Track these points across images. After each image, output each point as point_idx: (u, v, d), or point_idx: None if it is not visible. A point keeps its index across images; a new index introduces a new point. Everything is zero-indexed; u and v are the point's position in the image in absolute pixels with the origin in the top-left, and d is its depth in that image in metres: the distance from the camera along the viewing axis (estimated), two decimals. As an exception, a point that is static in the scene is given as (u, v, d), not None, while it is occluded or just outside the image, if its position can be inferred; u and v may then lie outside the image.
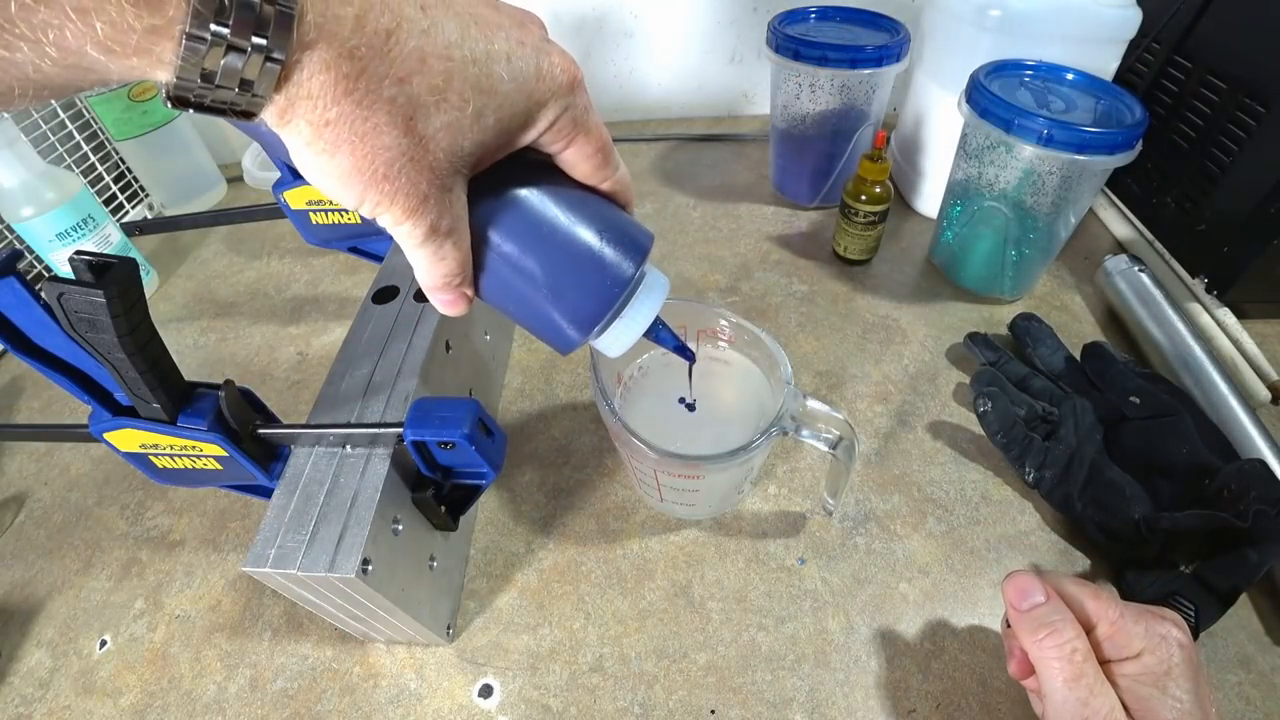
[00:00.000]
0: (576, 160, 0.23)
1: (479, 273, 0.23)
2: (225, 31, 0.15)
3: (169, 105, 0.16)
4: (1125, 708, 0.26)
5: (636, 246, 0.24)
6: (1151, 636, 0.27)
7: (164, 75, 0.16)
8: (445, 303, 0.23)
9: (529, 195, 0.23)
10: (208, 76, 0.16)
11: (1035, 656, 0.28)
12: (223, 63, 0.15)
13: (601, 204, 0.24)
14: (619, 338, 0.25)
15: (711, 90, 0.85)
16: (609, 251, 0.23)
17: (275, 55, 0.16)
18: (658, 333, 0.28)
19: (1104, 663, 0.28)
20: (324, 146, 0.18)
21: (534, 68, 0.20)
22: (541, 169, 0.23)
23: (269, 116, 0.17)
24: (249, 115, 0.17)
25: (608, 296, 0.23)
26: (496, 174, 0.22)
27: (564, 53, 0.21)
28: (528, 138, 0.22)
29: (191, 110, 0.17)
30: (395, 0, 0.17)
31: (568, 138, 0.22)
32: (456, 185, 0.20)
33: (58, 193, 0.53)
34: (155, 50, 0.15)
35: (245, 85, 0.16)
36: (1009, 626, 0.30)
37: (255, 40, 0.15)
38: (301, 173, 0.19)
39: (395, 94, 0.17)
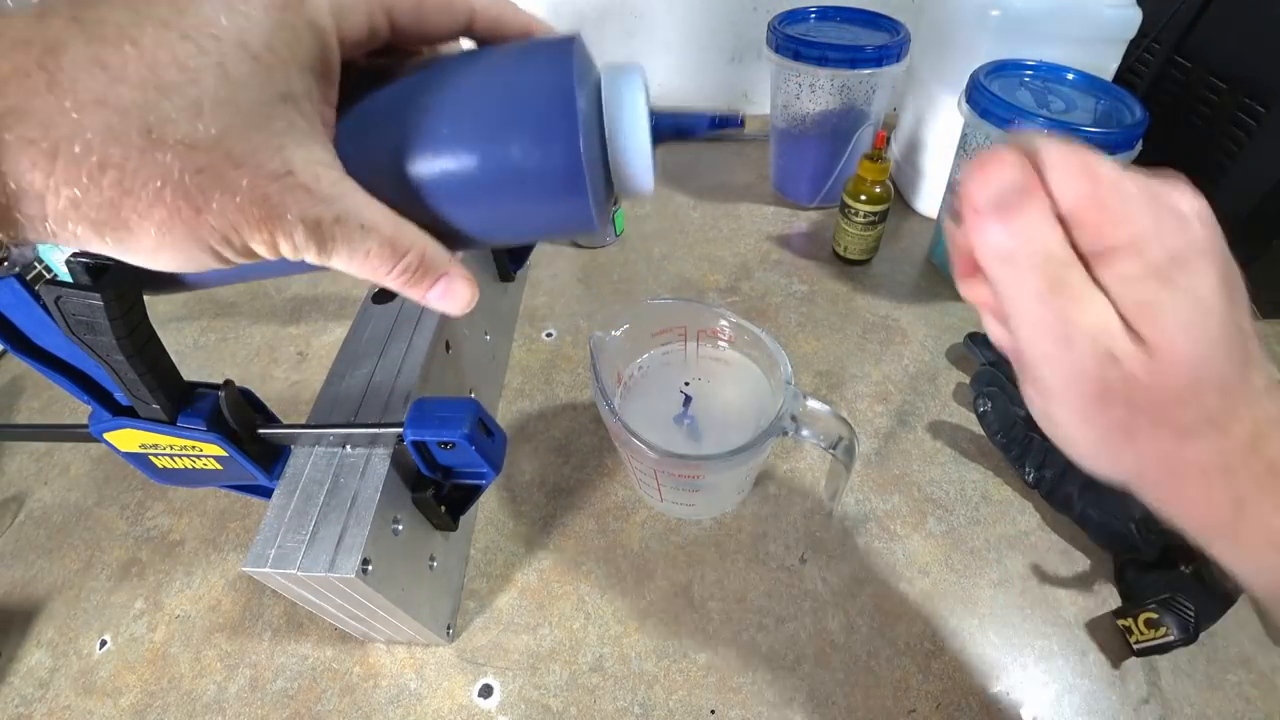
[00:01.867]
0: (422, 18, 0.18)
1: (438, 225, 0.19)
2: None
3: None
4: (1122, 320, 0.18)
5: (553, 50, 0.18)
6: (1156, 208, 0.17)
7: None
8: (440, 296, 0.19)
9: (396, 103, 0.18)
10: None
11: (991, 261, 0.18)
12: None
13: (488, 52, 0.19)
14: (628, 148, 0.19)
15: (711, 90, 0.85)
16: (522, 78, 0.18)
17: None
18: (677, 122, 0.21)
19: (1087, 258, 0.18)
20: (112, 229, 0.14)
21: None
22: (389, 69, 0.19)
23: (43, 245, 0.15)
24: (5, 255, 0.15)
25: (563, 122, 0.17)
26: (357, 114, 0.18)
27: None
28: (337, 44, 0.17)
29: None
30: (40, 40, 0.13)
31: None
32: (301, 164, 0.16)
33: (57, 193, 0.53)
34: None
35: None
36: (954, 221, 0.20)
37: None
38: (154, 269, 0.16)
39: (107, 121, 0.14)
